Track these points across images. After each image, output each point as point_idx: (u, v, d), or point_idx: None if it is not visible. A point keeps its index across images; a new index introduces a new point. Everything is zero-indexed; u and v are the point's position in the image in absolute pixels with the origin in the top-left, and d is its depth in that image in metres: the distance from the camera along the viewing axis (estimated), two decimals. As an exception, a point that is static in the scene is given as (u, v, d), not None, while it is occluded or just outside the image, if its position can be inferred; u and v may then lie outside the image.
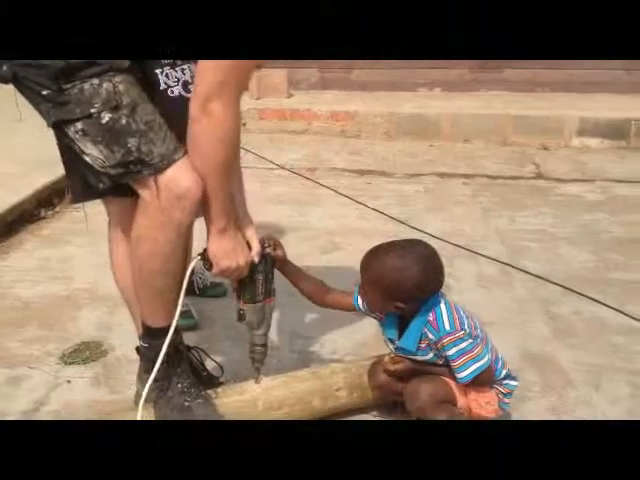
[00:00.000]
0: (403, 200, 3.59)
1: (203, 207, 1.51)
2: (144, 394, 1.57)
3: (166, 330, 1.58)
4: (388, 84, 5.36)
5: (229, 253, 1.55)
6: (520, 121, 4.72)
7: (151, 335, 1.63)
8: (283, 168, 4.06)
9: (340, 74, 5.38)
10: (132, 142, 1.44)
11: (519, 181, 3.96)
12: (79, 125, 1.44)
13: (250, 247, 1.61)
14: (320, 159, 4.36)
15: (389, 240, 1.70)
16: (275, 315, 2.15)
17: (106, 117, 1.43)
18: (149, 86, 1.53)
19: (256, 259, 1.62)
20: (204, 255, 1.58)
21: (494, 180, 3.97)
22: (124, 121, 1.43)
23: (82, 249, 2.92)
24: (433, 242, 2.87)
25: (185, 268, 1.60)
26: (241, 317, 1.67)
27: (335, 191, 3.64)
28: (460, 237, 3.05)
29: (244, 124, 4.98)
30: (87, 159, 1.48)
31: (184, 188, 1.46)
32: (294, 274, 1.77)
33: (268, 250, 1.66)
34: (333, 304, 1.81)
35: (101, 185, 1.52)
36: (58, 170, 3.39)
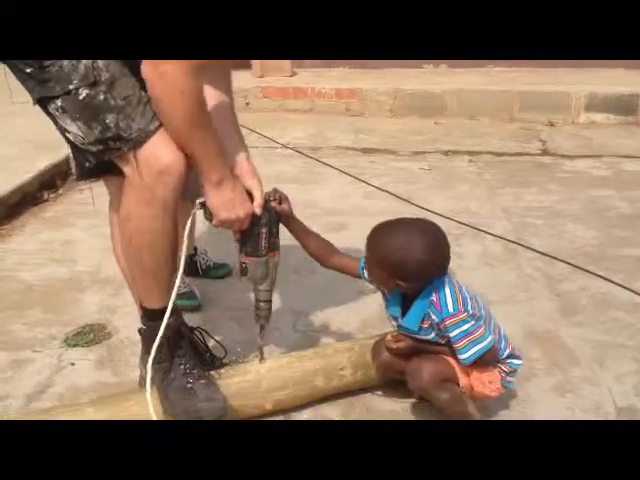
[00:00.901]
0: (408, 178, 3.57)
1: (192, 162, 1.49)
2: (148, 377, 1.56)
3: (165, 311, 1.57)
4: (393, 61, 5.29)
5: (227, 205, 1.53)
6: (526, 97, 4.67)
7: (149, 316, 1.62)
8: (286, 147, 4.04)
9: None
10: (110, 118, 1.44)
11: (525, 158, 3.92)
12: (59, 102, 1.45)
13: (252, 198, 1.59)
14: (324, 138, 4.33)
15: (395, 218, 1.67)
16: (278, 294, 2.14)
17: (83, 93, 1.42)
18: None
19: (258, 211, 1.58)
20: (204, 205, 1.56)
21: (500, 157, 3.93)
22: (102, 97, 1.43)
23: (85, 232, 2.92)
24: (438, 220, 2.85)
25: (177, 246, 1.58)
26: (244, 271, 1.64)
27: (339, 170, 3.62)
28: (466, 215, 3.02)
29: (247, 103, 4.95)
30: (69, 136, 1.50)
31: (165, 163, 1.46)
32: (300, 231, 1.73)
33: (273, 204, 1.63)
34: (338, 266, 1.77)
35: (87, 163, 1.52)
36: (60, 152, 3.46)
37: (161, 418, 1.58)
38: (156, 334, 1.58)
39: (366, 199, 3.26)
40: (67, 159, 3.52)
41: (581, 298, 2.31)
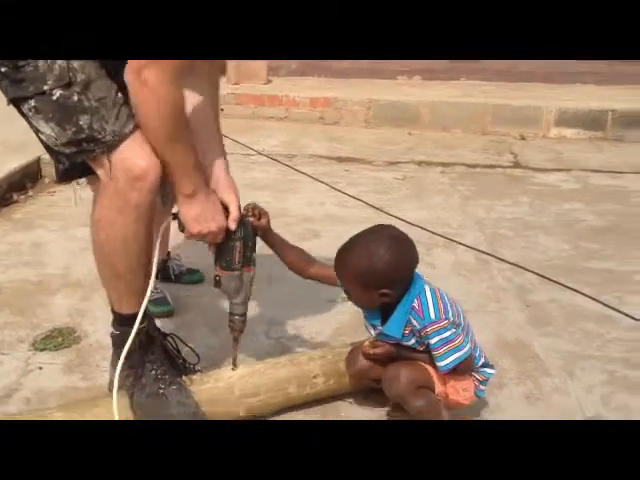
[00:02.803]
0: (382, 188, 3.59)
1: (166, 173, 1.48)
2: (115, 381, 1.54)
3: (136, 317, 1.55)
4: (368, 71, 5.34)
5: (198, 218, 1.52)
6: (499, 110, 4.74)
7: (121, 322, 1.60)
8: (261, 154, 4.03)
9: (320, 61, 5.35)
10: (83, 119, 1.42)
11: (497, 170, 3.98)
12: (32, 102, 1.43)
13: (228, 212, 1.58)
14: (299, 146, 4.33)
15: (365, 228, 1.68)
16: (253, 302, 2.13)
17: (57, 94, 1.41)
18: None
19: (232, 226, 1.57)
20: (177, 216, 1.55)
21: (472, 169, 3.98)
22: (75, 98, 1.41)
23: (55, 234, 2.87)
24: (411, 230, 2.89)
25: (151, 251, 1.57)
26: (217, 283, 1.63)
27: (313, 178, 3.62)
28: (438, 225, 3.05)
29: (222, 109, 4.93)
30: (42, 137, 1.48)
31: (140, 168, 1.44)
32: (278, 244, 1.74)
33: (250, 218, 1.62)
34: (317, 276, 1.77)
35: (61, 165, 1.51)
36: (30, 153, 3.39)
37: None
38: (127, 339, 1.56)
39: (340, 207, 3.27)
40: (37, 161, 3.47)
41: (551, 309, 2.34)
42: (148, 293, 1.56)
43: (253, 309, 2.23)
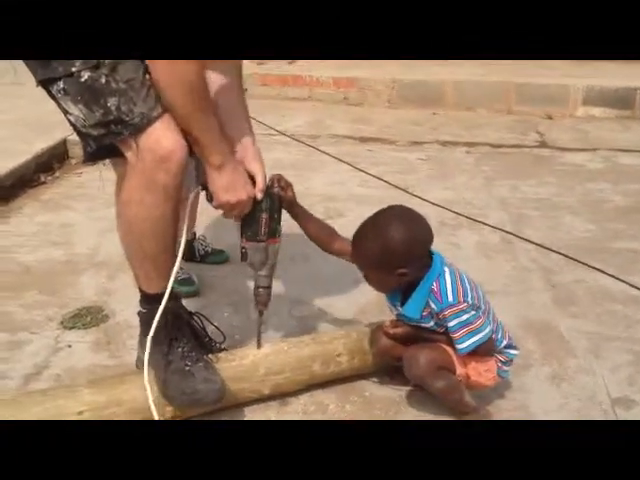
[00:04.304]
0: (405, 168, 3.57)
1: (193, 146, 1.49)
2: (146, 359, 1.57)
3: (163, 296, 1.57)
4: (391, 50, 5.28)
5: (227, 187, 1.53)
6: (524, 89, 4.66)
7: (148, 301, 1.62)
8: (284, 135, 4.03)
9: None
10: (112, 101, 1.43)
11: (522, 150, 3.92)
12: (61, 84, 1.44)
13: (255, 182, 1.59)
14: (322, 126, 4.32)
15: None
16: (276, 280, 2.15)
17: (85, 75, 1.41)
18: None
19: (259, 196, 1.59)
20: (205, 186, 1.56)
21: (497, 149, 3.93)
22: (103, 80, 1.42)
23: (83, 214, 2.91)
24: (435, 210, 2.89)
25: (177, 232, 1.59)
26: (243, 256, 1.64)
27: (337, 158, 3.61)
28: (462, 205, 3.03)
29: (245, 89, 4.93)
30: (71, 118, 1.49)
31: (167, 149, 1.45)
32: (302, 217, 1.74)
33: (276, 189, 1.63)
34: (340, 251, 1.76)
35: (88, 148, 1.51)
36: (57, 135, 3.43)
37: (157, 402, 1.58)
38: (154, 317, 1.58)
39: (363, 187, 3.26)
40: (64, 142, 3.51)
41: (577, 290, 2.32)
42: (174, 272, 1.58)
43: (277, 288, 2.23)
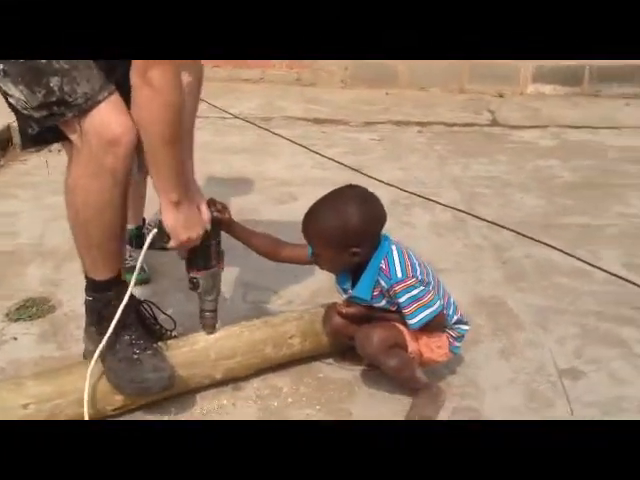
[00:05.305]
0: (359, 149, 3.56)
1: (153, 179, 1.48)
2: (98, 351, 1.54)
3: (110, 282, 1.55)
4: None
5: (187, 224, 1.53)
6: (476, 68, 4.69)
7: (94, 288, 1.59)
8: (237, 117, 3.98)
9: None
10: (54, 81, 1.39)
11: (474, 128, 3.96)
12: (0, 65, 1.39)
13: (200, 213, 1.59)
14: (275, 108, 4.28)
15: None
16: (229, 267, 2.13)
17: None
18: None
19: (208, 226, 1.60)
20: (161, 228, 1.55)
21: (450, 128, 3.96)
22: (45, 59, 1.37)
23: (27, 203, 2.83)
24: (389, 190, 2.90)
25: (126, 218, 1.57)
26: (195, 286, 1.66)
27: (291, 141, 3.59)
28: (415, 185, 3.05)
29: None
30: (12, 101, 1.44)
31: (114, 133, 1.41)
32: (244, 234, 1.76)
33: (215, 214, 1.64)
34: (288, 258, 1.80)
35: (30, 130, 1.47)
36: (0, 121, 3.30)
37: (105, 391, 1.56)
38: (102, 305, 1.56)
39: (318, 170, 3.25)
40: (8, 128, 3.40)
41: (526, 265, 2.36)
42: (139, 265, 1.56)
43: (230, 274, 2.22)
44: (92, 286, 1.61)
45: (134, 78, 1.38)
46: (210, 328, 1.72)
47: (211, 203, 1.65)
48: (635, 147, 3.63)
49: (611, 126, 3.97)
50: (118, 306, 1.56)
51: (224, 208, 1.68)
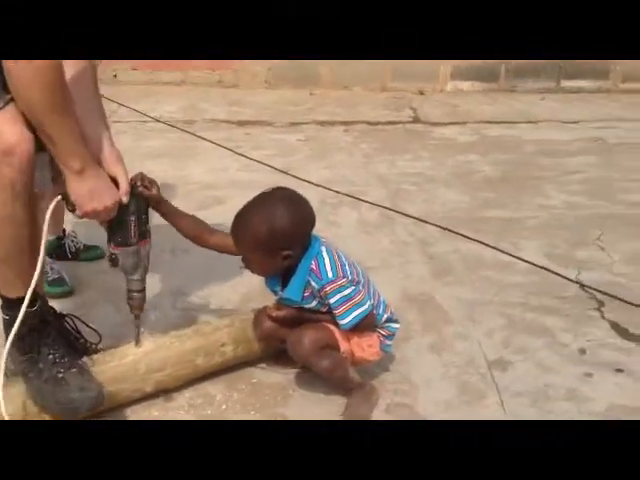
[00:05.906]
0: (285, 150, 3.56)
1: (48, 148, 1.40)
2: (1, 367, 1.47)
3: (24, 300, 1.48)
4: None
5: (92, 194, 1.45)
6: (397, 66, 4.76)
7: (9, 306, 1.52)
8: (158, 121, 3.90)
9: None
10: None
11: (397, 126, 4.02)
12: None
13: (118, 186, 1.52)
14: (198, 110, 4.22)
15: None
16: (155, 274, 2.08)
17: None
18: None
19: (124, 199, 1.52)
20: (65, 196, 1.47)
21: (374, 126, 4.01)
22: None
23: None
24: (316, 191, 2.90)
25: (35, 235, 1.48)
26: (114, 262, 1.58)
27: (215, 143, 3.54)
28: (342, 184, 3.07)
29: (115, 76, 4.72)
30: None
31: (8, 142, 1.36)
32: (172, 214, 1.69)
33: (140, 189, 1.57)
34: (217, 245, 1.73)
35: None
36: None
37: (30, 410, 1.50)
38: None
39: (244, 172, 3.22)
40: None
41: (452, 260, 2.41)
42: (36, 275, 1.48)
43: (158, 281, 2.18)
44: (6, 304, 1.54)
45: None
46: (138, 309, 1.64)
47: (138, 178, 1.59)
48: (551, 140, 3.77)
49: (528, 120, 4.12)
50: (37, 323, 1.50)
51: (151, 183, 1.61)
